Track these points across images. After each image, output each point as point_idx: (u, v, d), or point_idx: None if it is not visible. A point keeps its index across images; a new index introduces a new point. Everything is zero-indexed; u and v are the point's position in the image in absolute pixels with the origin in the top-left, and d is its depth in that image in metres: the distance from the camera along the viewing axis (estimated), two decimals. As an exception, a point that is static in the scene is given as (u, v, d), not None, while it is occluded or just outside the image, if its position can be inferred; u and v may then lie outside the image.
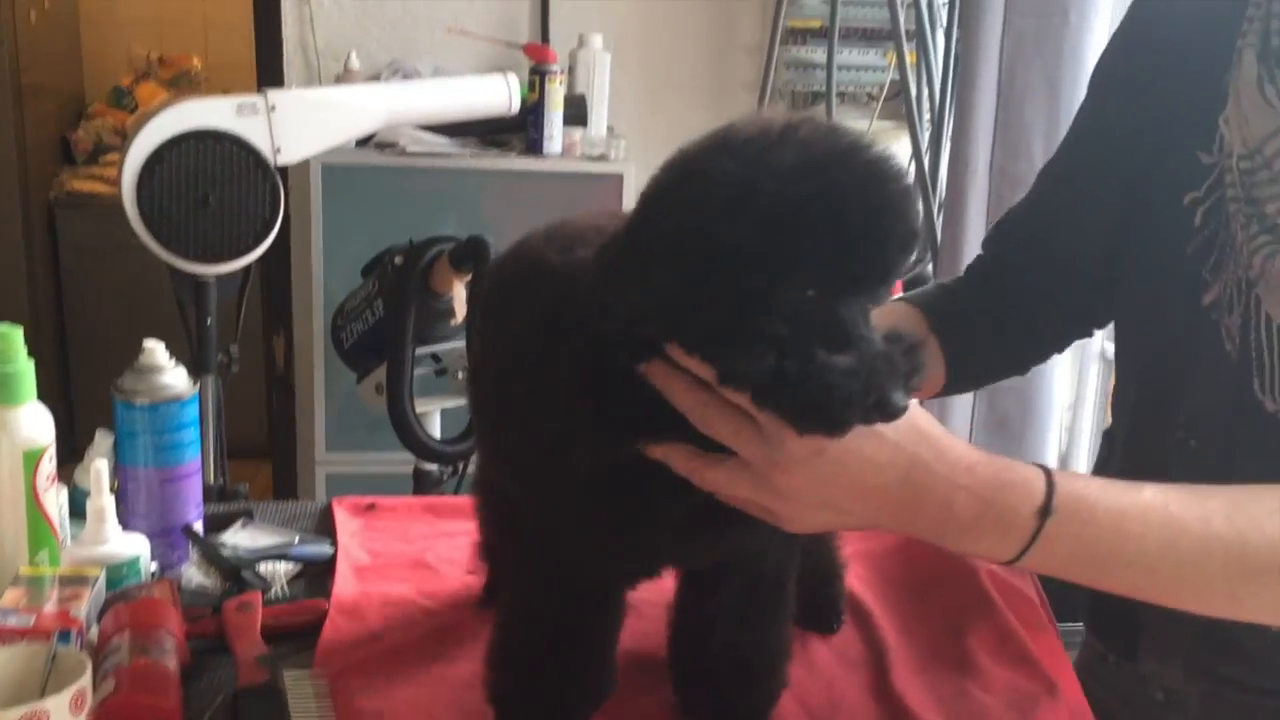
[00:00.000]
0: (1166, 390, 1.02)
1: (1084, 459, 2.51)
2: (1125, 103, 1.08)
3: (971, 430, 2.39)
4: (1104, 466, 1.17)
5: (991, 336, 1.16)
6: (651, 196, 0.73)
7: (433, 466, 2.03)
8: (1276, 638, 0.95)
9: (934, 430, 0.77)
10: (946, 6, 2.55)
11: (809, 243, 0.68)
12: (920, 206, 0.73)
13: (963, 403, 2.37)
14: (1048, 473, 0.77)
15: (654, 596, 0.97)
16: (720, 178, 0.69)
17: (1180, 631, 1.01)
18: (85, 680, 0.79)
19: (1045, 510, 0.76)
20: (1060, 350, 1.22)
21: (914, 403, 0.74)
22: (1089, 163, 1.12)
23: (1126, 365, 1.12)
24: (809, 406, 0.68)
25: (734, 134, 0.71)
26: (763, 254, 0.68)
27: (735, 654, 0.91)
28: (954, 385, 1.16)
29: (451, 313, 1.95)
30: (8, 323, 1.04)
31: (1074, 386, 2.52)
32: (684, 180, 0.72)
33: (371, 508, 1.33)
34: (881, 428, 0.73)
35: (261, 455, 3.19)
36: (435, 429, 2.04)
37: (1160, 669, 1.04)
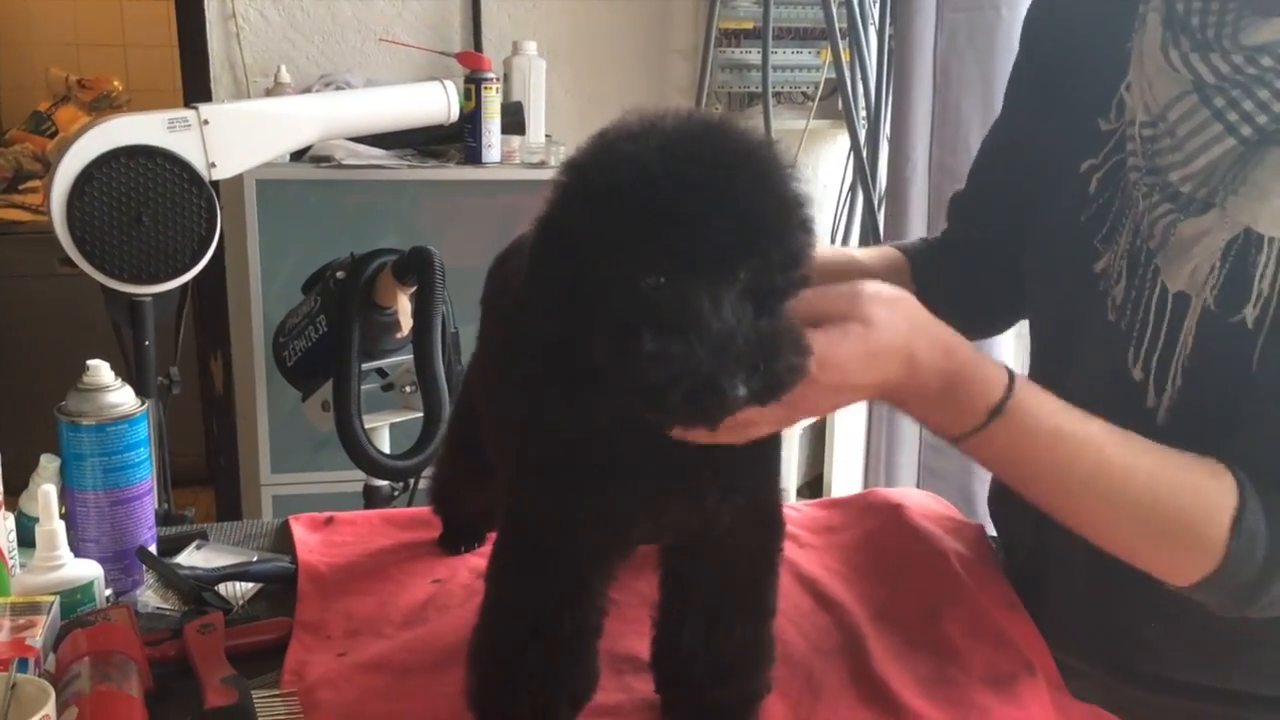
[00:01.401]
0: (1059, 360, 1.04)
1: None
2: (1034, 73, 1.09)
3: (921, 431, 2.41)
4: None
5: (953, 298, 1.16)
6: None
7: (383, 483, 2.00)
8: (1172, 629, 0.97)
9: (922, 317, 0.84)
10: (878, 4, 2.58)
11: (639, 228, 0.70)
12: (783, 187, 0.74)
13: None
14: (1012, 378, 0.85)
15: (638, 597, 0.96)
16: (570, 173, 0.75)
17: (1082, 623, 1.04)
18: (49, 709, 0.75)
19: (996, 410, 0.84)
20: (1017, 321, 1.23)
21: (901, 292, 0.82)
22: (1006, 135, 1.15)
23: (1032, 337, 1.14)
24: (631, 389, 0.70)
25: (604, 131, 0.75)
26: (603, 242, 0.71)
27: (710, 653, 0.90)
28: None
29: (397, 326, 1.92)
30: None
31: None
32: (556, 178, 0.76)
33: (330, 522, 1.30)
34: (883, 322, 0.79)
35: (202, 482, 3.12)
36: (385, 444, 2.00)
37: (1063, 657, 1.04)
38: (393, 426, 2.05)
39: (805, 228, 0.75)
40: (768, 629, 0.92)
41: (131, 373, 1.76)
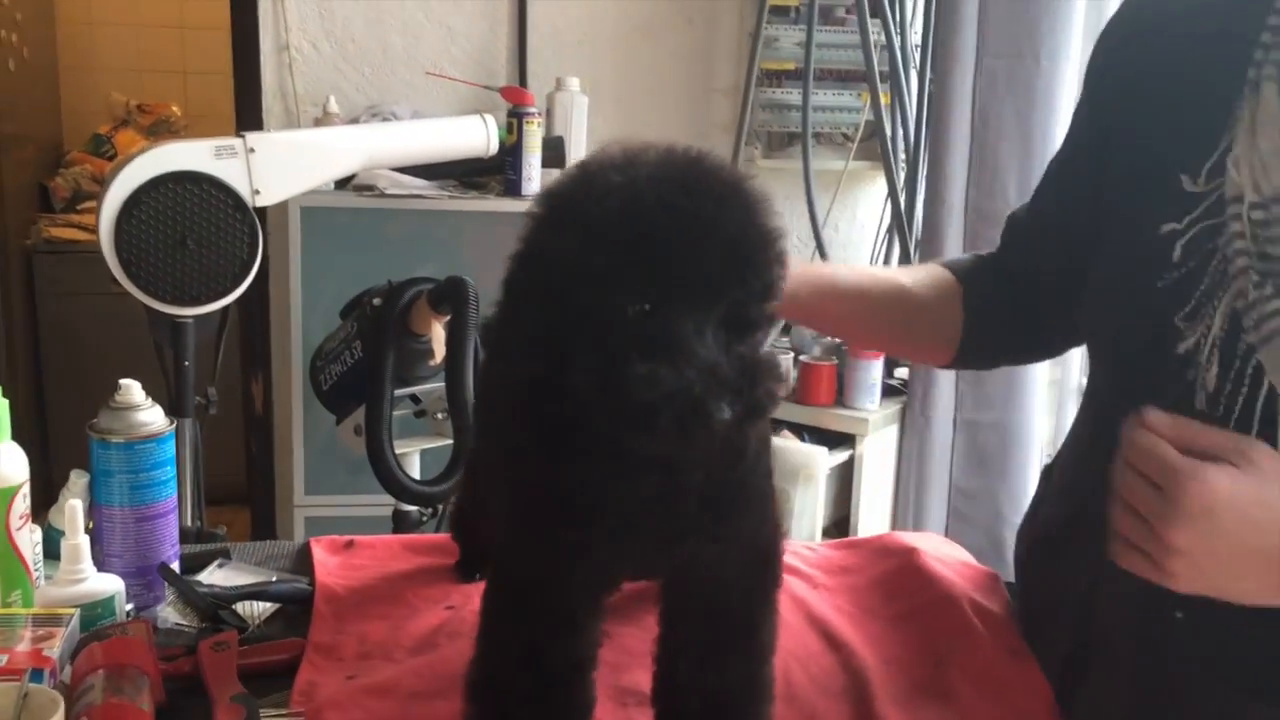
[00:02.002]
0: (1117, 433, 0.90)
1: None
2: (1098, 118, 1.03)
3: (951, 466, 2.39)
4: (1038, 506, 1.15)
5: (1006, 322, 1.15)
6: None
7: (412, 508, 2.02)
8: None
9: None
10: (920, 49, 2.59)
11: (629, 255, 0.72)
12: (765, 220, 0.76)
13: (943, 438, 2.38)
14: None
15: (644, 631, 0.97)
16: (551, 203, 0.76)
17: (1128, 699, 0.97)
18: (58, 718, 0.77)
19: None
20: (1072, 347, 1.20)
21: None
22: (1071, 173, 1.08)
23: (1088, 394, 1.08)
24: (617, 413, 0.71)
25: (584, 163, 0.77)
26: (589, 269, 0.72)
27: (705, 689, 0.90)
28: (965, 358, 1.18)
29: (430, 353, 1.94)
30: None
31: (1053, 424, 2.53)
32: (533, 209, 0.77)
33: (350, 545, 1.32)
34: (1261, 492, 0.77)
35: (241, 501, 3.17)
36: (415, 470, 2.03)
37: None
38: (424, 453, 2.07)
39: (780, 260, 0.77)
40: (765, 667, 0.92)
41: (171, 392, 1.80)
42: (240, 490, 3.14)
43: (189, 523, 1.79)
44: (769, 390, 0.73)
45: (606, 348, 0.73)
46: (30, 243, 3.75)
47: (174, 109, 4.19)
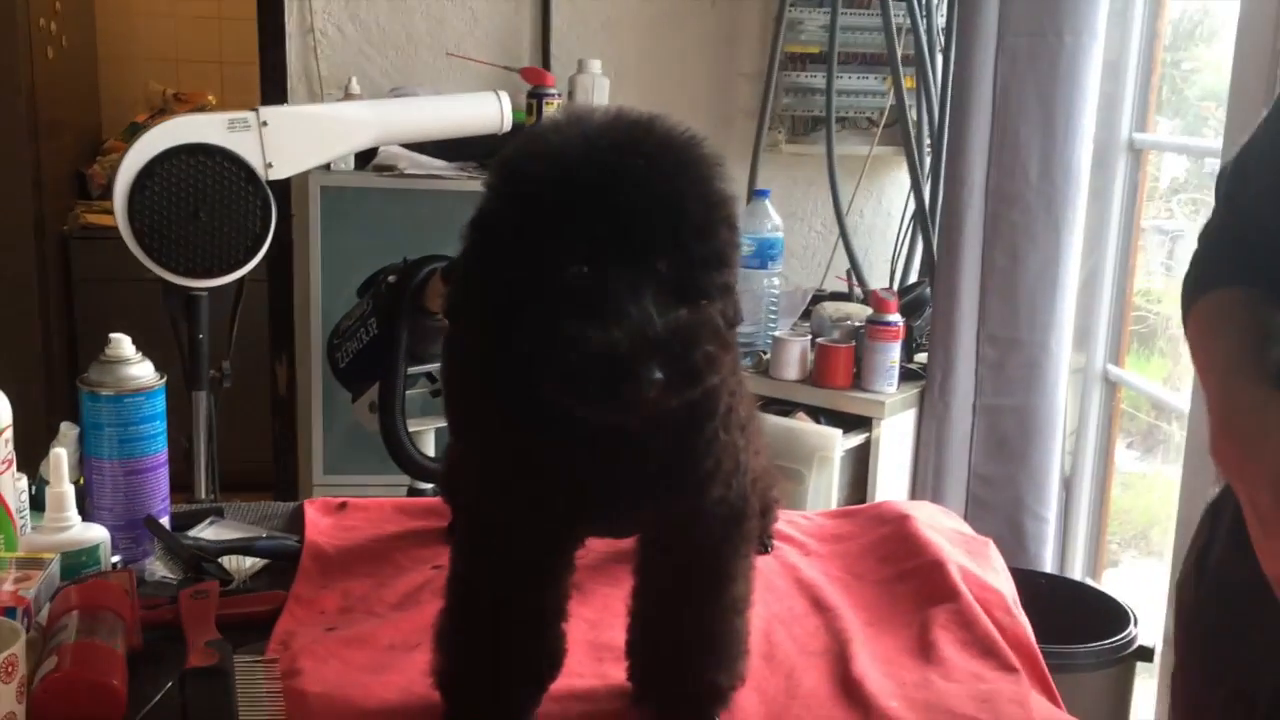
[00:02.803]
0: None
1: (1087, 484, 2.47)
2: None
3: (971, 452, 2.36)
4: (1205, 554, 1.01)
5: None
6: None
7: (427, 485, 2.02)
8: None
9: None
10: (945, 33, 2.56)
11: (561, 216, 0.71)
12: (708, 182, 0.75)
13: (962, 423, 2.35)
14: None
15: (623, 589, 0.96)
16: (497, 169, 0.76)
17: None
18: (17, 647, 0.78)
19: None
20: None
21: None
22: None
23: None
24: (550, 374, 0.71)
25: (532, 127, 0.78)
26: (528, 232, 0.72)
27: (675, 639, 0.90)
28: None
29: (445, 331, 1.95)
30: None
31: (1077, 410, 2.49)
32: (486, 178, 0.78)
33: (343, 507, 1.32)
34: None
35: (266, 488, 3.19)
36: (429, 448, 2.03)
37: None
38: (438, 431, 2.07)
39: (729, 225, 0.76)
40: (737, 621, 0.91)
41: (185, 365, 1.82)
42: (267, 475, 3.16)
43: (203, 496, 1.80)
44: (706, 355, 0.72)
45: (545, 310, 0.73)
46: (67, 229, 3.81)
47: (210, 98, 4.24)
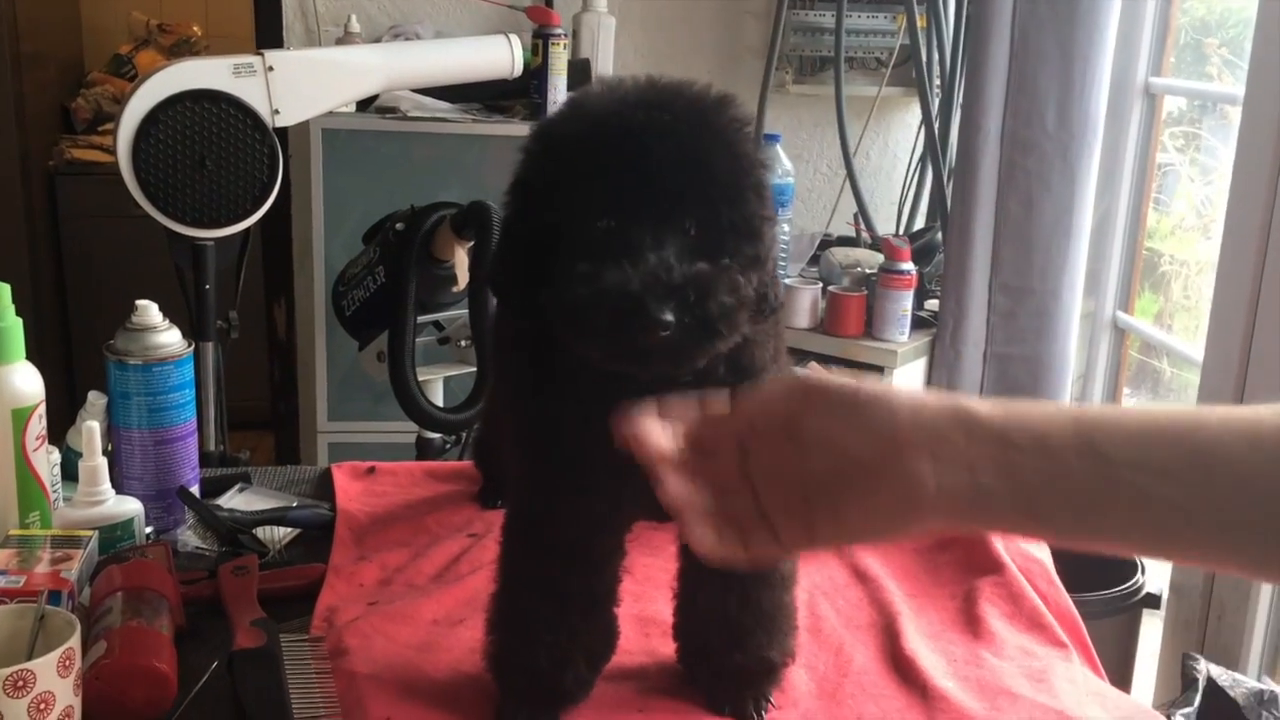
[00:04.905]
0: None
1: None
2: None
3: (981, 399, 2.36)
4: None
5: None
6: None
7: (435, 435, 2.01)
8: None
9: None
10: (957, -31, 2.51)
11: (591, 172, 0.73)
12: (740, 145, 0.75)
13: (973, 371, 2.34)
14: None
15: (669, 562, 0.95)
16: (536, 132, 0.78)
17: None
18: (74, 641, 0.76)
19: None
20: None
21: None
22: None
23: None
24: (561, 313, 0.72)
25: (574, 94, 0.80)
26: (561, 189, 0.74)
27: (724, 619, 0.89)
28: None
29: (454, 279, 1.92)
30: (-3, 281, 1.02)
31: (1085, 357, 2.49)
32: (525, 142, 0.80)
33: (371, 471, 1.31)
34: None
35: (265, 426, 3.17)
36: (438, 397, 2.01)
37: None
38: (447, 379, 2.05)
39: (759, 192, 0.76)
40: (785, 597, 0.90)
41: (192, 316, 1.78)
42: (265, 415, 3.14)
43: (212, 447, 1.78)
44: (723, 305, 0.71)
45: (568, 259, 0.73)
46: (53, 164, 3.73)
47: (195, 29, 4.14)
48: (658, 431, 0.64)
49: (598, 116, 0.74)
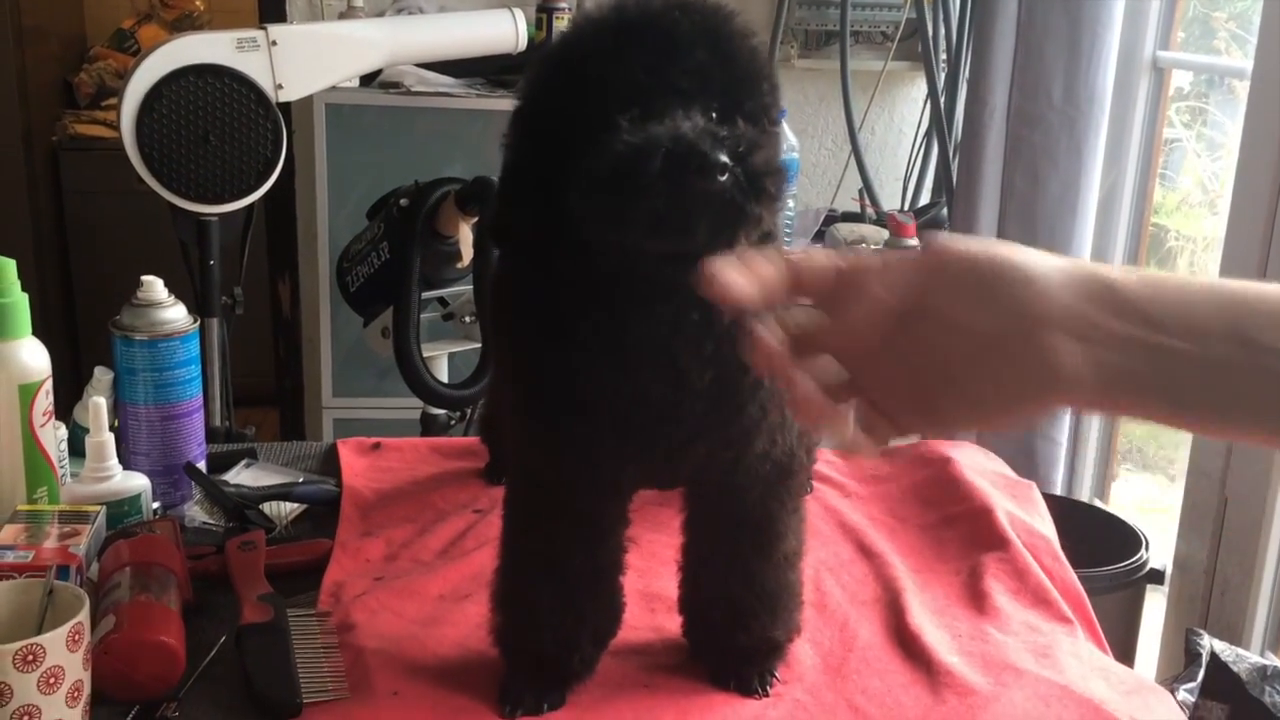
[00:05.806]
0: None
1: (1095, 421, 2.47)
2: None
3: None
4: None
5: None
6: None
7: (440, 411, 2.01)
8: None
9: None
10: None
11: (615, 62, 0.71)
12: (751, 41, 0.75)
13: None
14: None
15: (673, 537, 0.95)
16: (542, 53, 0.78)
17: None
18: (83, 616, 0.77)
19: None
20: None
21: None
22: None
23: None
24: (603, 179, 0.69)
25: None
26: (582, 89, 0.72)
27: (728, 594, 0.89)
28: None
29: (458, 255, 1.91)
30: (2, 257, 1.02)
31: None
32: (527, 71, 0.80)
33: (377, 447, 1.31)
34: None
35: (269, 402, 3.17)
36: (442, 373, 2.01)
37: None
38: (452, 355, 2.05)
39: (771, 82, 0.75)
40: (791, 574, 0.90)
41: (196, 292, 1.78)
42: (269, 391, 3.14)
43: (217, 423, 1.78)
44: (769, 161, 0.70)
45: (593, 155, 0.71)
46: (56, 139, 3.72)
47: (197, 3, 4.12)
48: (744, 280, 0.59)
49: (608, 17, 0.74)
